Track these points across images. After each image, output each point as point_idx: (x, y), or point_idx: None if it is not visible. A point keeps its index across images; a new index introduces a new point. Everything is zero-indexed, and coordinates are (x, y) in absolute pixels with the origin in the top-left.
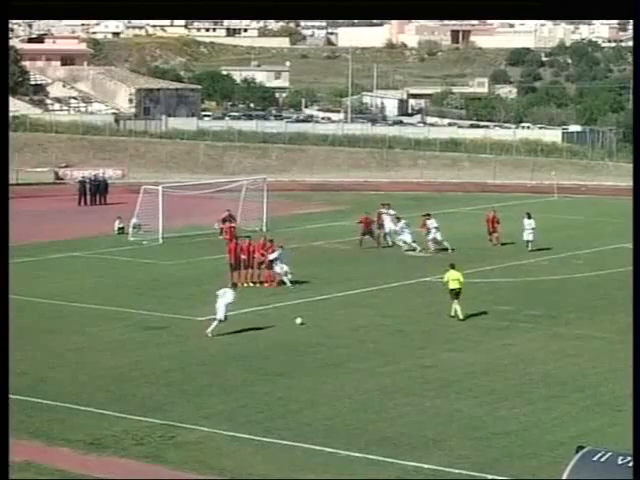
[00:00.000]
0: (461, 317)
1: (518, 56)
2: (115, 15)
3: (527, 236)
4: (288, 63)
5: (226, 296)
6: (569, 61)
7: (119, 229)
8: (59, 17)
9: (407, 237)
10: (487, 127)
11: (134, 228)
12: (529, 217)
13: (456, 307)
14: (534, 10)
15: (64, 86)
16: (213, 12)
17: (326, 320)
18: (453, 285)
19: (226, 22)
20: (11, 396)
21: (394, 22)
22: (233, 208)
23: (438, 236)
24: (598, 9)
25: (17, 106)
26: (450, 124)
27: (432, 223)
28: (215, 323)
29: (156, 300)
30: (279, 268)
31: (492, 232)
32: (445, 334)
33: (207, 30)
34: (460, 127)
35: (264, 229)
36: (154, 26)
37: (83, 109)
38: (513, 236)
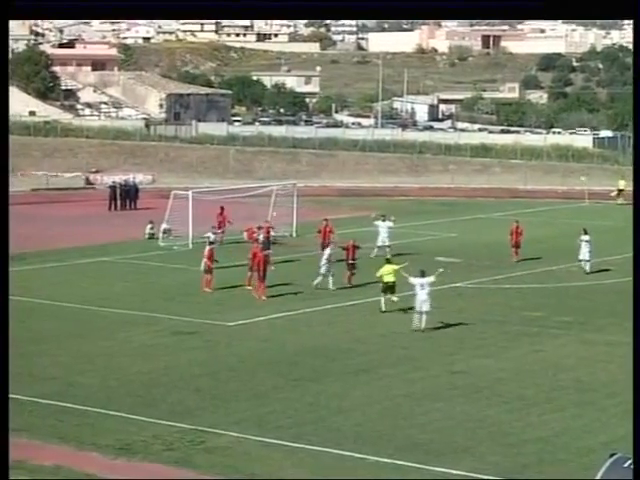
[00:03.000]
0: (383, 309)
1: (549, 61)
2: (116, 15)
3: (584, 255)
4: (318, 68)
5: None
6: (600, 66)
7: (150, 234)
8: (59, 17)
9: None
10: (518, 132)
11: (164, 233)
12: (585, 233)
13: (392, 299)
14: (535, 10)
15: (95, 91)
16: (220, 13)
17: (356, 326)
18: (388, 279)
19: (256, 27)
20: (41, 400)
21: (425, 27)
22: (263, 213)
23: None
24: (598, 9)
25: (48, 111)
26: (481, 129)
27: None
28: (422, 317)
29: (185, 305)
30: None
31: (515, 246)
32: (475, 340)
33: (237, 35)
34: (491, 132)
35: (294, 234)
36: (184, 31)
37: (114, 114)
38: (543, 242)
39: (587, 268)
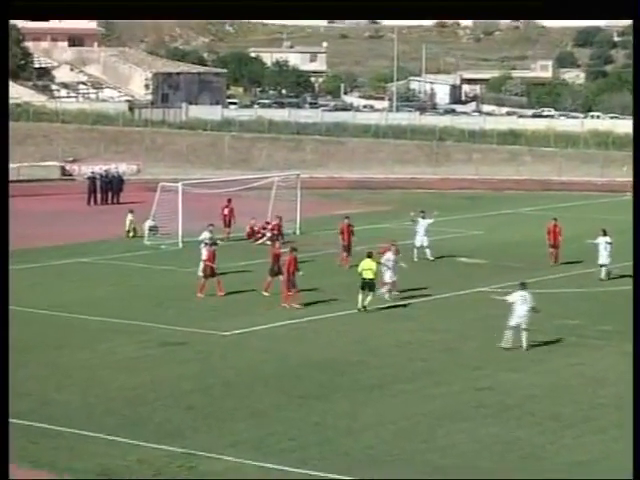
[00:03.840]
0: (361, 306)
1: (586, 36)
2: (117, 15)
3: (602, 259)
4: (325, 44)
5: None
6: None
7: (128, 232)
8: (59, 17)
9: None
10: (551, 116)
11: (150, 230)
12: (605, 234)
13: (367, 298)
14: (535, 10)
15: (72, 70)
16: (215, 11)
17: (367, 335)
18: (367, 275)
19: None
20: (13, 420)
21: None
22: (262, 208)
23: None
24: (598, 9)
25: (19, 92)
26: (509, 113)
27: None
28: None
29: (176, 312)
30: None
31: (553, 246)
32: (503, 352)
33: None
34: (520, 116)
35: (297, 232)
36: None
37: (93, 96)
38: (578, 241)
39: (603, 275)
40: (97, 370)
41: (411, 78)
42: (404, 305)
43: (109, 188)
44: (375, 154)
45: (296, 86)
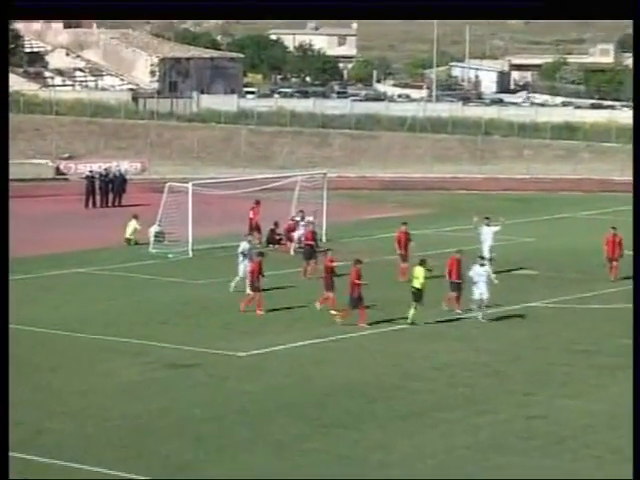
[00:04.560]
0: (410, 321)
1: None
2: (117, 15)
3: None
4: (355, 25)
5: None
6: None
7: (129, 240)
8: (59, 17)
9: None
10: (612, 107)
11: (156, 237)
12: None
13: (411, 310)
14: (535, 10)
15: (68, 55)
16: (215, 11)
17: (404, 356)
18: (414, 284)
19: None
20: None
21: None
22: (283, 211)
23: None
24: (598, 9)
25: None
26: (564, 104)
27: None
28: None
29: (185, 330)
30: None
31: (612, 259)
32: (557, 375)
33: None
34: (577, 107)
35: (323, 239)
36: None
37: (92, 84)
38: None
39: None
40: (95, 395)
41: (453, 64)
42: (447, 320)
43: (109, 189)
44: (412, 150)
45: (322, 73)
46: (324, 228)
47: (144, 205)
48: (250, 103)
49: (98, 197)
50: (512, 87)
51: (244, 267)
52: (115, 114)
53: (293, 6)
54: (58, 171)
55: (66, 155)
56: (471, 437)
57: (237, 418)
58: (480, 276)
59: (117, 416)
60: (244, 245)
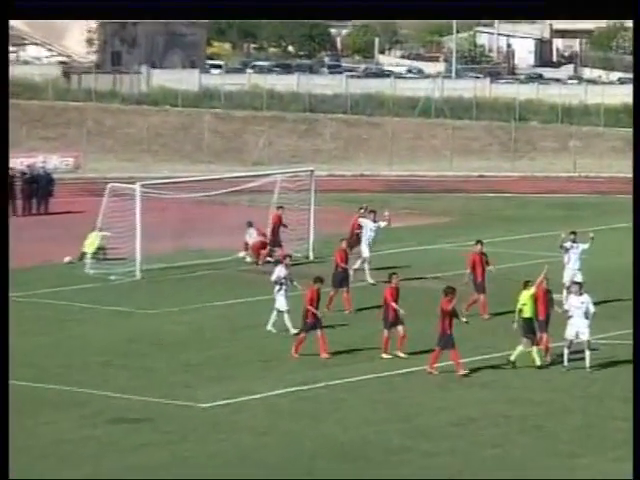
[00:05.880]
0: (538, 364)
1: None
2: (117, 15)
3: None
4: None
5: None
6: None
7: (83, 255)
8: (60, 17)
9: None
10: None
11: (95, 254)
12: None
13: (528, 350)
14: (535, 10)
15: None
16: (212, 12)
17: (414, 406)
18: (524, 313)
19: None
20: None
21: None
22: (259, 219)
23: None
24: (598, 9)
25: None
26: (622, 81)
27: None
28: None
29: (132, 374)
30: None
31: None
32: (612, 432)
33: None
34: None
35: (310, 255)
36: None
37: (12, 56)
38: None
39: None
40: (17, 458)
41: (478, 29)
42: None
43: (33, 191)
44: (425, 141)
45: (309, 41)
46: (311, 241)
47: (78, 212)
48: (216, 80)
49: (19, 202)
50: (555, 59)
51: (283, 299)
52: (41, 94)
53: (293, 6)
54: None
55: None
56: None
57: None
58: (577, 309)
59: None
60: (280, 271)
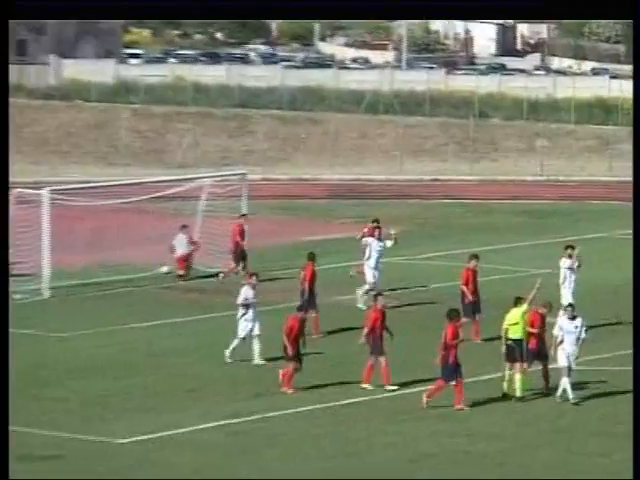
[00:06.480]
0: (518, 395)
1: None
2: (117, 15)
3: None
4: None
5: None
6: None
7: None
8: (60, 17)
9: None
10: None
11: None
12: None
13: (516, 377)
14: (535, 10)
15: None
16: (215, 12)
17: (365, 443)
18: (511, 334)
19: None
20: None
21: None
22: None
23: None
24: (598, 9)
25: None
26: (596, 71)
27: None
28: None
29: (41, 406)
30: None
31: None
32: (587, 467)
33: None
34: (614, 77)
35: (240, 271)
36: None
37: None
38: None
39: None
40: None
41: None
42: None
43: None
44: (373, 140)
45: (240, 27)
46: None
47: None
48: (134, 71)
49: None
50: (519, 47)
51: (247, 324)
52: None
53: (293, 6)
54: None
55: None
56: None
57: None
58: (570, 333)
59: None
60: (246, 292)
